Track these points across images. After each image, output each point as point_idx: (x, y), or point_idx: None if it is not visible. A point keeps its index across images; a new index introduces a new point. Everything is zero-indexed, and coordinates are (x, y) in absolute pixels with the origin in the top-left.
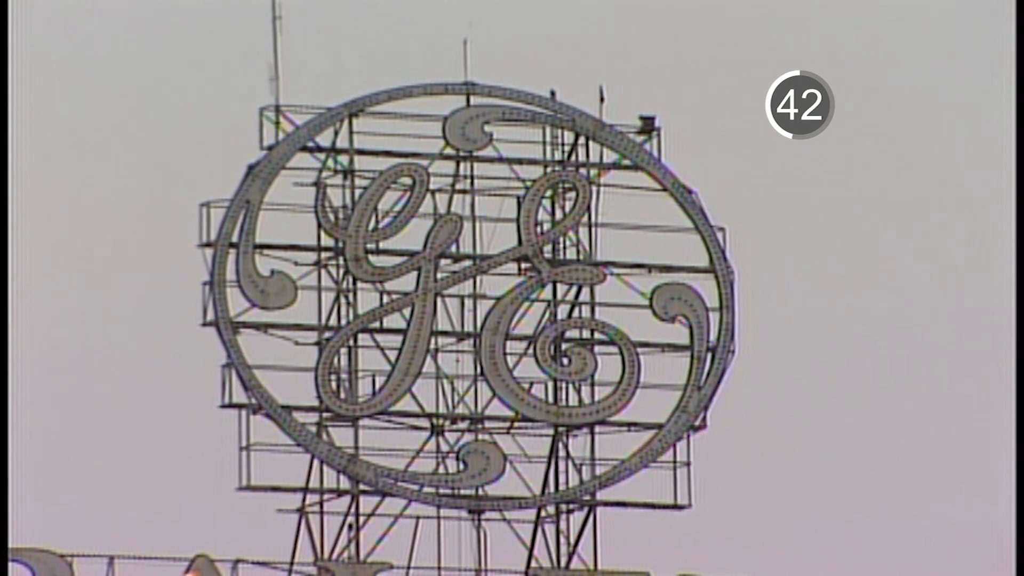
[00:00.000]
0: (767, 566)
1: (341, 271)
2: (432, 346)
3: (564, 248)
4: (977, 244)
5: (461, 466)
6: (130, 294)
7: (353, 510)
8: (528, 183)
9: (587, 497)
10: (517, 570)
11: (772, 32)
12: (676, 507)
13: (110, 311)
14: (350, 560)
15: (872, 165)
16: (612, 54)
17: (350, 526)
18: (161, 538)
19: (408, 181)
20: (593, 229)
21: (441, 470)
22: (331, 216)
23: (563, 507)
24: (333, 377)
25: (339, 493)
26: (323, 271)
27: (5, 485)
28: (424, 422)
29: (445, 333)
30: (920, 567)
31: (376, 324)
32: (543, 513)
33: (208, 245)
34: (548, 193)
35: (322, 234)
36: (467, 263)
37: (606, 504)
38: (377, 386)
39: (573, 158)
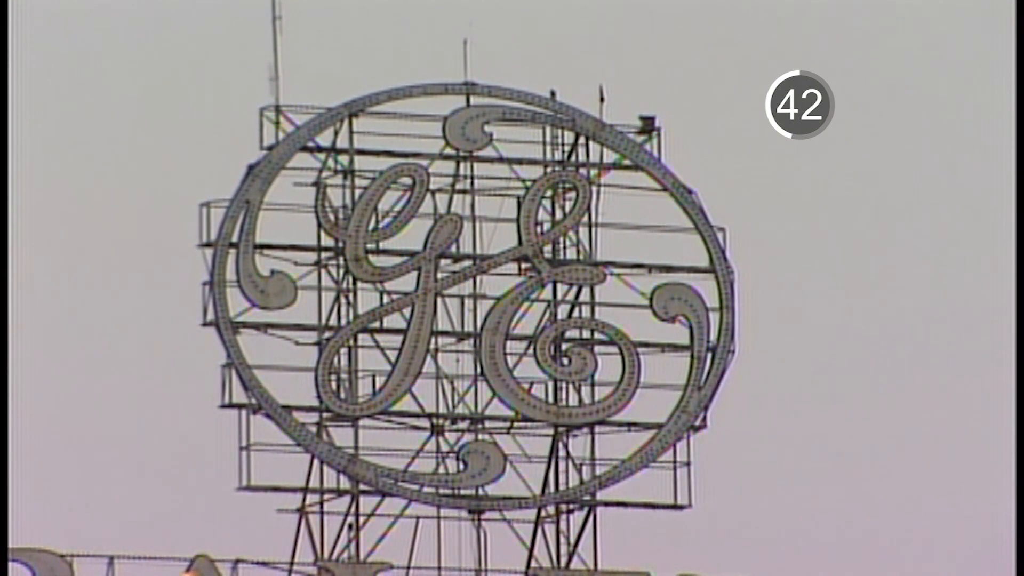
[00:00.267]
0: (767, 566)
1: (341, 271)
2: (432, 346)
3: (564, 248)
4: (977, 244)
5: (461, 466)
6: (130, 294)
7: (353, 510)
8: (528, 183)
9: (587, 497)
10: (517, 570)
11: (772, 32)
12: (676, 507)
13: (110, 311)
14: (350, 560)
15: (872, 165)
16: (612, 54)
17: (350, 526)
18: (161, 538)
19: (408, 181)
20: (593, 229)
21: (441, 470)
22: (331, 216)
23: (563, 507)
24: (333, 377)
25: (339, 493)
26: (323, 271)
27: (5, 485)
28: (424, 422)
29: (445, 333)
30: (920, 567)
31: (376, 324)
32: (543, 513)
33: (208, 245)
34: (548, 193)
35: (322, 234)
36: (467, 263)
37: (606, 504)
38: (377, 386)
39: (573, 158)
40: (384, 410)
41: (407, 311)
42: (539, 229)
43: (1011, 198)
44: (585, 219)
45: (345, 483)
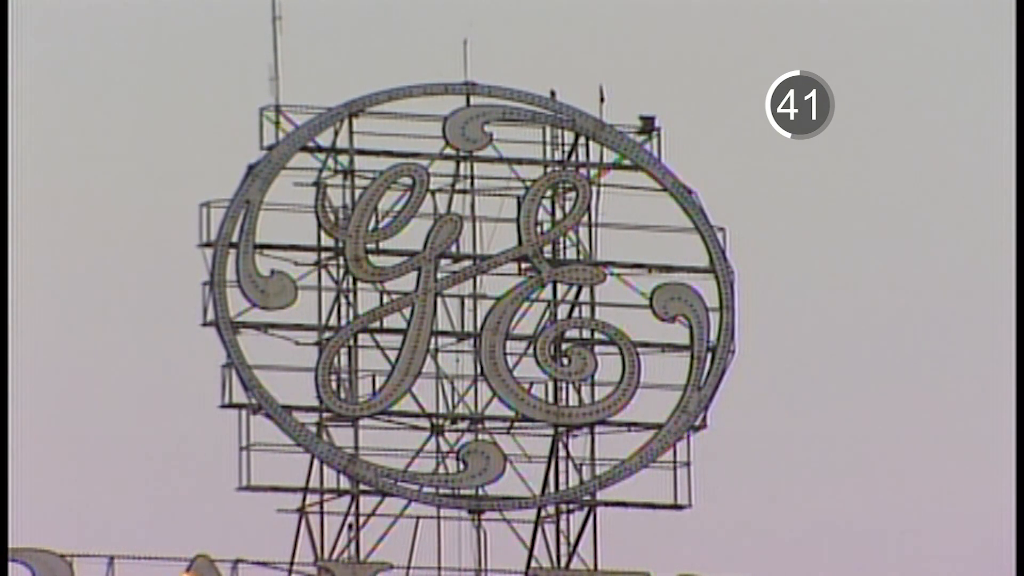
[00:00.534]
0: (767, 566)
1: (341, 271)
2: (432, 346)
3: (564, 248)
4: (977, 244)
5: (461, 466)
6: (130, 294)
7: (353, 510)
8: (528, 183)
9: (587, 497)
10: (517, 570)
11: (772, 32)
12: (676, 507)
13: (110, 311)
14: (350, 560)
15: (872, 165)
16: (612, 54)
17: (350, 526)
18: (161, 538)
19: (408, 181)
20: (593, 229)
21: (441, 470)
22: (331, 216)
23: (563, 507)
24: (333, 377)
25: (339, 493)
26: (323, 271)
27: (5, 485)
28: (424, 422)
29: (445, 333)
30: (920, 567)
31: (376, 324)
32: (543, 513)
33: (208, 245)
34: (548, 193)
35: (322, 234)
36: (467, 263)
37: (606, 504)
38: (377, 386)
39: (573, 158)
40: (384, 410)
41: (407, 311)
42: (539, 229)
43: (1011, 198)
44: (585, 219)
45: (345, 483)
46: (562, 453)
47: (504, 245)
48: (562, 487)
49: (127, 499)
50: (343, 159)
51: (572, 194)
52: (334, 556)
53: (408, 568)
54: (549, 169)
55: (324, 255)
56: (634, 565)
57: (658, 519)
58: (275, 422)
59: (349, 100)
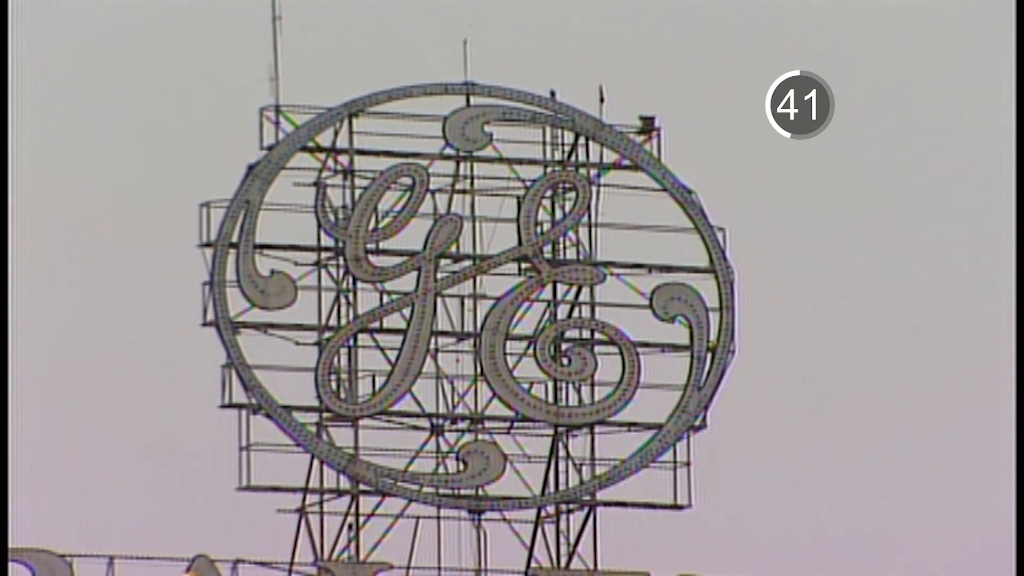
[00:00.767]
0: (767, 566)
1: (341, 271)
2: (432, 346)
3: (564, 248)
4: (977, 244)
5: (461, 466)
6: (130, 294)
7: (353, 510)
8: (528, 183)
9: (587, 497)
10: (517, 570)
11: (772, 32)
12: (676, 507)
13: (110, 311)
14: (350, 560)
15: (872, 165)
16: (612, 54)
17: (350, 526)
18: (161, 538)
19: (408, 181)
20: (593, 229)
21: (441, 470)
22: (331, 216)
23: (563, 507)
24: (333, 377)
25: (339, 493)
26: (323, 271)
27: (5, 485)
28: (424, 422)
29: (445, 333)
30: (920, 567)
31: (376, 324)
32: (543, 513)
33: (208, 245)
34: (548, 193)
35: (322, 234)
36: (467, 263)
37: (606, 504)
38: (377, 386)
39: (573, 158)
40: (384, 410)
41: (407, 311)
42: (539, 229)
43: (1011, 198)
44: (585, 219)
45: (345, 483)
46: (562, 453)
47: (504, 245)
48: (562, 487)
49: (127, 499)
50: (343, 159)
51: (572, 194)
52: (334, 556)
53: (408, 568)
54: (549, 169)
55: (324, 255)
56: (634, 565)
57: (658, 519)
58: (275, 422)
59: (349, 100)
